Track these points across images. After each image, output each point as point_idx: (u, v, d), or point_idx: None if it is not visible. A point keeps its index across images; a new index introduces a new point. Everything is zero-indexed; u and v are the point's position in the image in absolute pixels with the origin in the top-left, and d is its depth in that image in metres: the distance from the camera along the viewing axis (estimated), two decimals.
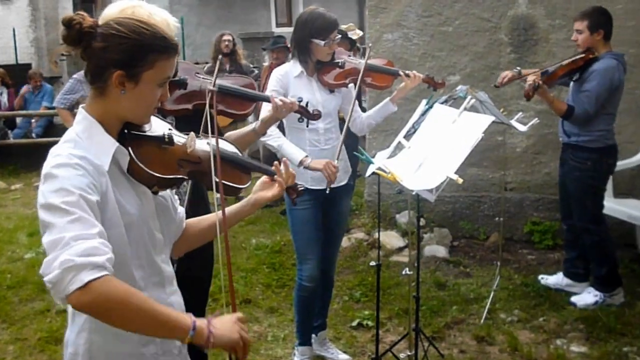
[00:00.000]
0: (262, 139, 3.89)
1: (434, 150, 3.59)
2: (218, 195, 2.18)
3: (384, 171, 3.61)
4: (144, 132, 2.06)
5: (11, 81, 12.79)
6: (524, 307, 5.28)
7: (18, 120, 12.47)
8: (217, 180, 2.15)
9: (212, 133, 2.28)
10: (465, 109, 3.70)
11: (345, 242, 6.69)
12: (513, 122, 4.97)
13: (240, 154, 2.45)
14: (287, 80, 4.12)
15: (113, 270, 1.70)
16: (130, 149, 1.97)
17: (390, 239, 6.65)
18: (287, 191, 2.45)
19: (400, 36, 6.92)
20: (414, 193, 3.59)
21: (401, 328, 4.98)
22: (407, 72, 4.26)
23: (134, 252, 1.96)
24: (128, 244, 1.93)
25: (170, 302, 2.10)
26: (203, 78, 3.24)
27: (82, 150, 1.86)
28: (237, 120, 7.23)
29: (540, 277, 5.74)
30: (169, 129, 2.14)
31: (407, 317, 5.02)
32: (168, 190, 2.18)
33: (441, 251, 6.42)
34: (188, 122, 2.94)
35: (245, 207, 2.36)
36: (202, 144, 2.21)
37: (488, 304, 5.19)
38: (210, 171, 2.16)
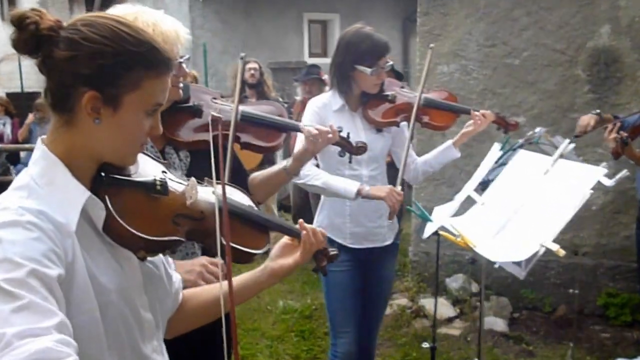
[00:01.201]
0: (298, 181, 3.65)
1: (521, 209, 3.21)
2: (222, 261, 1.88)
3: (451, 233, 3.27)
4: (128, 176, 1.71)
5: (15, 110, 12.69)
6: None
7: (22, 154, 12.34)
8: (224, 242, 1.79)
9: (217, 176, 1.90)
10: (561, 155, 3.36)
11: None
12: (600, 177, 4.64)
13: (255, 208, 2.17)
14: (326, 114, 3.80)
15: None
16: (107, 199, 1.62)
17: (439, 307, 6.26)
18: (315, 257, 2.16)
19: (457, 68, 6.66)
20: (496, 266, 3.20)
21: None
22: (475, 111, 3.95)
23: (113, 342, 1.61)
24: (104, 333, 1.57)
25: None
26: (222, 104, 2.94)
27: (38, 202, 1.50)
28: (265, 162, 6.99)
29: None
30: (163, 172, 1.84)
31: None
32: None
33: (499, 324, 6.07)
34: (203, 157, 2.67)
35: (259, 277, 2.04)
36: (207, 194, 1.89)
37: None
38: (214, 231, 1.80)
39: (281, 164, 3.08)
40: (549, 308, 6.42)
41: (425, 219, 3.55)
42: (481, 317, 3.68)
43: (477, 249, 3.12)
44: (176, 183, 1.83)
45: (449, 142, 4.05)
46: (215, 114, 1.92)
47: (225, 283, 1.86)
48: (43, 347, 1.26)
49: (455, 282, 6.53)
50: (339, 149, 3.31)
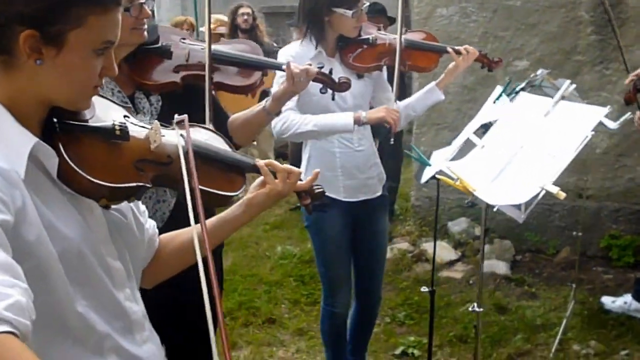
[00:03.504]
0: (287, 133, 3.60)
1: (521, 152, 3.17)
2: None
3: (450, 177, 3.25)
4: (84, 121, 1.62)
5: None
6: (601, 337, 4.96)
7: None
8: (193, 187, 1.70)
9: (192, 120, 1.84)
10: (563, 97, 3.31)
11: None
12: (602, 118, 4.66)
13: (229, 149, 2.07)
14: (302, 63, 3.49)
15: (29, 323, 1.20)
16: (60, 146, 1.53)
17: (441, 250, 6.35)
18: (298, 194, 2.11)
19: (456, 11, 6.61)
20: (495, 209, 3.18)
21: (454, 359, 4.73)
22: (456, 47, 3.86)
23: (82, 290, 1.55)
24: (70, 282, 1.50)
25: (143, 354, 1.73)
26: (191, 44, 2.90)
27: None
28: None
29: (603, 298, 5.45)
30: (125, 117, 1.75)
31: (460, 346, 4.80)
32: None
33: (502, 267, 6.13)
34: (178, 101, 2.63)
35: (236, 210, 1.99)
36: (174, 137, 1.79)
37: (560, 332, 4.89)
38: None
39: (260, 104, 3.03)
40: (553, 251, 6.48)
41: (424, 164, 3.53)
42: (482, 257, 3.72)
43: (476, 192, 3.08)
44: (140, 128, 1.76)
45: (432, 83, 3.97)
46: (178, 116, 1.83)
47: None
48: None
49: (457, 225, 6.59)
50: (319, 94, 3.27)
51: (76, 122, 1.61)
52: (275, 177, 2.02)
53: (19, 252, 1.32)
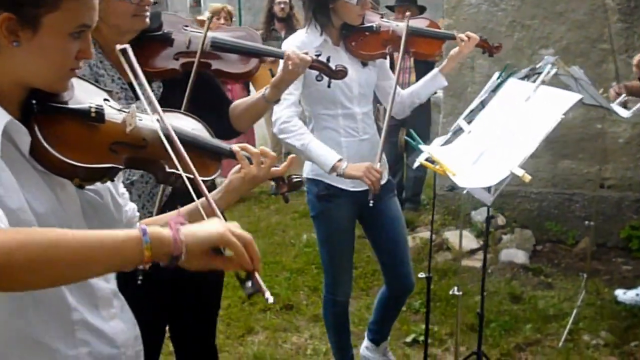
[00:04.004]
0: (280, 135, 3.64)
1: (499, 136, 3.18)
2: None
3: (432, 162, 3.27)
4: (63, 103, 1.69)
5: None
6: (613, 328, 4.99)
7: None
8: (169, 170, 1.81)
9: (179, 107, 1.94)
10: (543, 82, 3.26)
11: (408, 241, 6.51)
12: (614, 106, 4.64)
13: (206, 135, 2.10)
14: (308, 52, 3.36)
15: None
16: (35, 126, 1.60)
17: (462, 239, 6.41)
18: (275, 181, 2.16)
19: (484, 0, 6.63)
20: (464, 192, 3.28)
21: (463, 348, 4.78)
22: (459, 34, 3.90)
23: None
24: None
25: (109, 329, 1.78)
26: (192, 31, 2.95)
27: None
28: None
29: (616, 291, 5.45)
30: (105, 100, 1.80)
31: (471, 335, 4.86)
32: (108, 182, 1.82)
33: (520, 256, 6.16)
34: (179, 88, 2.76)
35: (213, 197, 1.90)
36: (150, 121, 1.84)
37: (570, 322, 4.92)
38: (158, 158, 1.81)
39: (260, 92, 3.07)
40: (572, 241, 6.47)
41: (416, 149, 3.56)
42: (486, 245, 3.76)
43: (454, 177, 3.08)
44: (117, 111, 1.80)
45: (436, 70, 4.00)
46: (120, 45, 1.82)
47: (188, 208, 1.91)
48: None
49: (480, 214, 6.60)
50: (318, 81, 3.31)
51: (54, 104, 1.67)
52: (251, 162, 2.06)
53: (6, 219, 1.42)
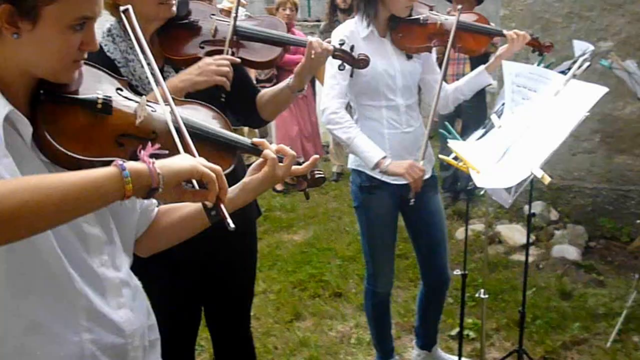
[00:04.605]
0: (327, 125, 3.69)
1: (523, 133, 3.05)
2: None
3: (458, 160, 3.20)
4: (71, 92, 1.67)
5: None
6: None
7: None
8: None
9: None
10: (574, 75, 3.12)
11: (459, 234, 6.51)
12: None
13: (219, 126, 2.01)
14: (355, 42, 3.31)
15: None
16: (40, 116, 1.60)
17: (514, 233, 6.39)
18: (297, 180, 2.11)
19: None
20: (481, 193, 3.24)
21: (508, 343, 4.78)
22: (508, 32, 3.80)
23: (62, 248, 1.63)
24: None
25: (117, 318, 1.79)
26: (219, 20, 2.97)
27: None
28: None
29: None
30: (118, 90, 1.78)
31: (516, 331, 4.82)
32: None
33: (572, 252, 6.08)
34: None
35: (229, 195, 1.84)
36: (161, 112, 1.79)
37: (619, 322, 4.85)
38: (168, 151, 1.68)
39: (285, 81, 3.06)
40: (627, 238, 6.36)
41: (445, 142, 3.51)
42: (527, 242, 3.73)
43: (477, 176, 2.99)
44: (130, 102, 1.76)
45: (482, 67, 3.93)
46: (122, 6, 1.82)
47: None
48: None
49: (533, 209, 6.51)
50: (341, 70, 3.24)
51: (58, 94, 1.65)
52: (281, 161, 2.00)
53: None
